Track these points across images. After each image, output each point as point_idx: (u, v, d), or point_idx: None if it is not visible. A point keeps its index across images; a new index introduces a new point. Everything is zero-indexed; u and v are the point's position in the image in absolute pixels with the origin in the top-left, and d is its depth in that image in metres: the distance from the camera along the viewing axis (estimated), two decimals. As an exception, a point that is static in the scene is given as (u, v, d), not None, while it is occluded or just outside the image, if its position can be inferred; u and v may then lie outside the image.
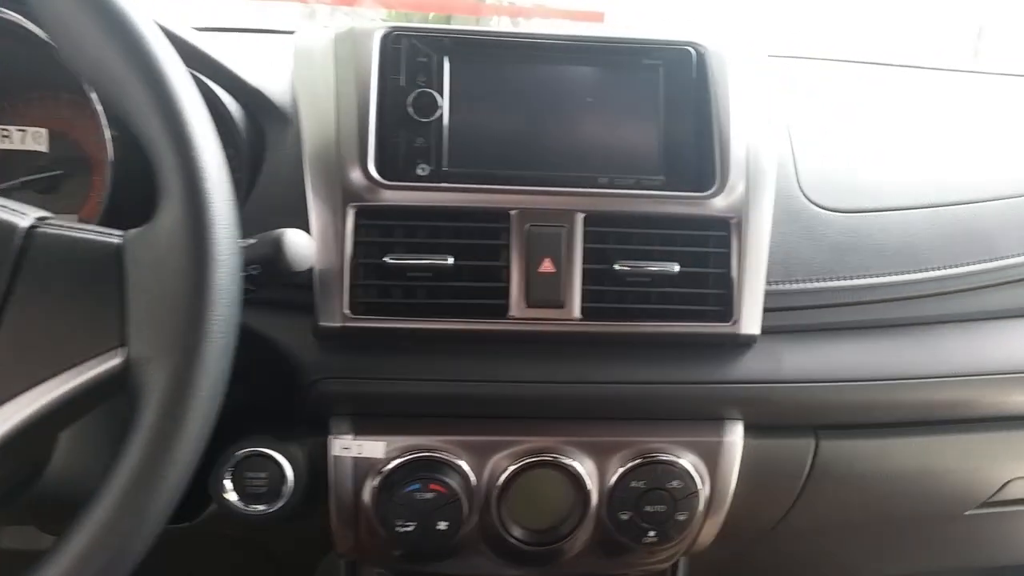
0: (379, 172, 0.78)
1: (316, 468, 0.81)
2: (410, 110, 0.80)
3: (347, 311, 0.76)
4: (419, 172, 0.79)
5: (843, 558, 1.12)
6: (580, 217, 0.78)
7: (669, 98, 0.83)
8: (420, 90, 0.80)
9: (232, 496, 0.79)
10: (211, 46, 0.81)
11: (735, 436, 0.85)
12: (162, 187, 0.55)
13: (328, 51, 0.82)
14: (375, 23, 0.82)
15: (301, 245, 0.68)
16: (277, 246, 0.66)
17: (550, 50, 0.83)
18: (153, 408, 0.52)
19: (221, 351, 0.54)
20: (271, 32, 1.09)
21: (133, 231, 0.56)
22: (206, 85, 0.80)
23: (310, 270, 0.76)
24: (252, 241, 0.67)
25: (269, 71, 0.87)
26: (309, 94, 0.81)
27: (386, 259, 0.77)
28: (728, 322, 0.80)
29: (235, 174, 0.83)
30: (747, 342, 0.81)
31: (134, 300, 0.54)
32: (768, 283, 0.82)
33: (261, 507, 0.79)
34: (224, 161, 0.57)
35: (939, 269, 0.89)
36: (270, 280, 0.67)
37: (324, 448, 0.80)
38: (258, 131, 0.84)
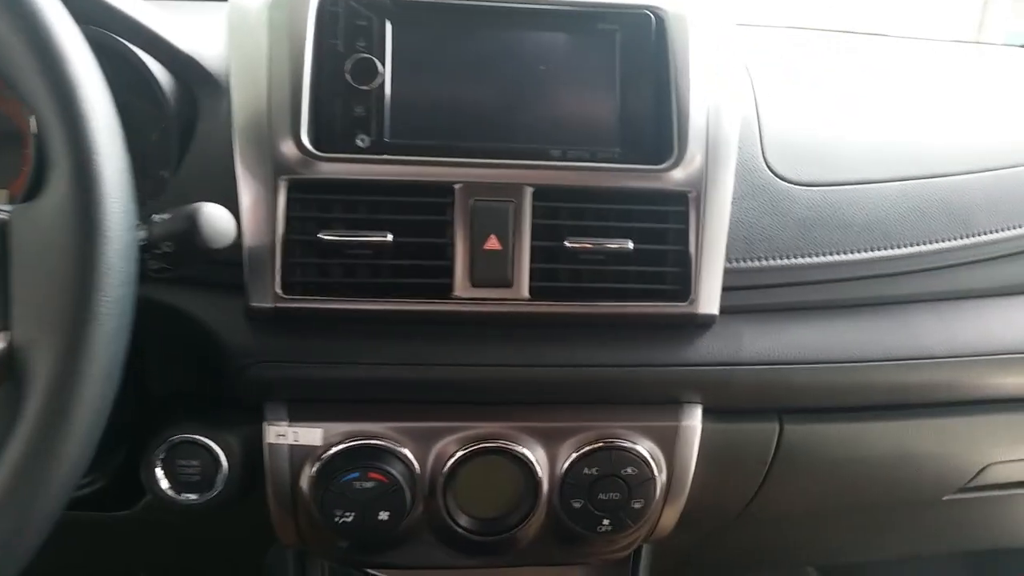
0: (314, 143, 0.74)
1: (251, 456, 0.77)
2: (348, 77, 0.75)
3: (279, 291, 0.72)
4: (358, 143, 0.75)
5: (815, 544, 1.09)
6: (529, 191, 0.74)
7: (626, 65, 0.79)
8: (359, 56, 0.75)
9: (164, 484, 0.76)
10: (138, 10, 0.76)
11: (693, 420, 0.82)
12: (49, 158, 0.51)
13: (262, 14, 0.77)
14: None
15: (220, 220, 0.64)
16: (192, 221, 0.62)
17: (499, 15, 0.78)
18: (37, 396, 0.49)
19: (112, 334, 0.50)
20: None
21: (20, 206, 0.52)
22: (129, 50, 0.76)
23: (239, 246, 0.72)
24: (166, 216, 0.63)
25: (205, 37, 0.82)
26: (241, 61, 0.76)
27: (321, 235, 0.73)
28: (685, 301, 0.77)
29: (164, 144, 0.80)
30: (705, 322, 0.78)
31: (19, 280, 0.50)
32: (729, 261, 0.78)
33: (194, 496, 0.76)
34: (118, 129, 0.53)
35: (912, 246, 0.85)
36: (187, 258, 0.63)
37: (259, 435, 0.77)
38: (191, 100, 0.79)
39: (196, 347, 0.75)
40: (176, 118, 0.78)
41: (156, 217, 0.63)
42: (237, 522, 0.88)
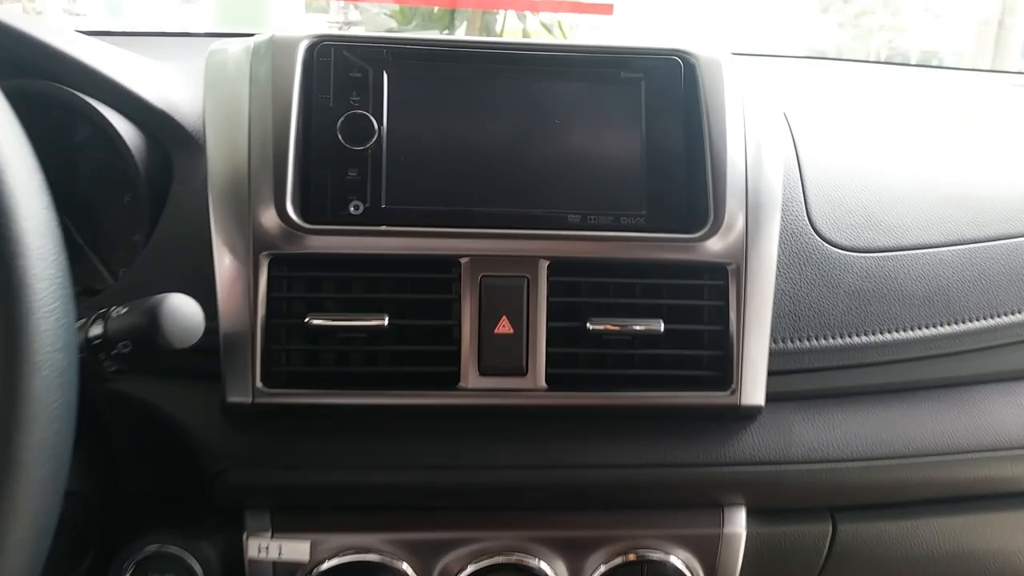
0: (301, 213, 0.65)
1: (233, 570, 0.67)
2: (340, 136, 0.66)
3: (260, 384, 0.63)
4: (351, 211, 0.66)
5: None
6: (544, 265, 0.66)
7: (653, 118, 0.70)
8: (352, 112, 0.66)
9: None
10: (102, 59, 0.67)
11: (737, 526, 0.72)
12: None
13: (243, 66, 0.68)
14: (299, 33, 0.69)
15: (184, 315, 0.54)
16: (152, 317, 0.53)
17: (510, 63, 0.70)
18: None
19: (40, 486, 0.40)
20: (214, 36, 0.95)
21: None
22: (89, 104, 0.67)
23: (215, 331, 0.62)
24: (123, 310, 0.54)
25: (183, 88, 0.73)
26: (218, 117, 0.67)
27: (309, 319, 0.63)
28: (726, 390, 0.67)
29: (132, 213, 0.72)
30: (750, 414, 0.69)
31: None
32: (775, 341, 0.70)
33: None
34: (52, 219, 0.43)
35: (979, 320, 0.76)
36: (147, 359, 0.54)
37: (240, 546, 0.67)
38: (165, 160, 0.70)
39: (169, 445, 0.66)
40: (146, 179, 0.69)
41: (114, 311, 0.54)
42: None
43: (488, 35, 4.11)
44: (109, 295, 0.66)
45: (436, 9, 4.03)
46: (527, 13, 4.19)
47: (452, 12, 4.04)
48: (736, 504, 0.72)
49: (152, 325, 0.53)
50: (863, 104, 0.96)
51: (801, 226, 0.74)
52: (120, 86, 0.67)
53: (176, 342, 0.54)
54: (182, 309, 0.54)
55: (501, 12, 4.09)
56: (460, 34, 4.03)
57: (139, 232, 0.71)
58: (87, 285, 0.74)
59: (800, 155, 0.79)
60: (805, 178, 0.77)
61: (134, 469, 0.69)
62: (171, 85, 0.73)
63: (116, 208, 0.74)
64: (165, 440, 0.66)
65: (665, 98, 0.70)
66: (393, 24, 4.04)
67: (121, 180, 0.72)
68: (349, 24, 4.34)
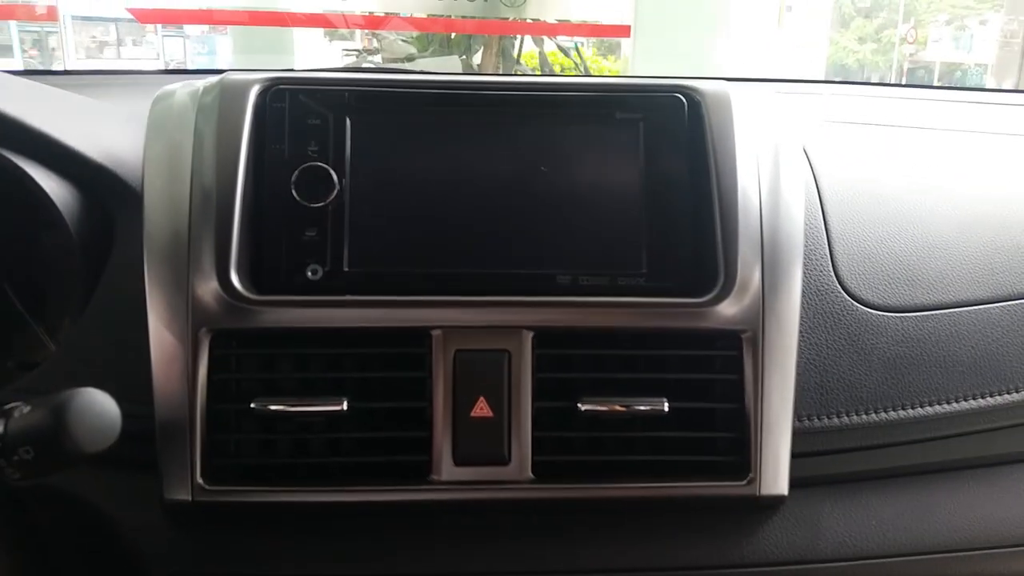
0: (251, 280, 0.57)
1: None
2: (295, 191, 0.58)
3: (201, 480, 0.55)
4: (308, 276, 0.58)
5: None
6: (529, 336, 0.58)
7: (653, 164, 0.62)
8: (309, 163, 0.59)
9: None
10: (24, 106, 0.60)
11: None
12: None
13: (188, 112, 0.61)
14: (251, 76, 0.61)
15: (96, 415, 0.46)
16: (58, 419, 0.45)
17: (489, 106, 0.62)
18: None
19: None
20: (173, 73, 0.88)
21: None
22: (10, 162, 0.59)
23: (150, 417, 0.54)
24: (25, 409, 0.46)
25: (129, 137, 0.66)
26: (158, 171, 0.60)
27: (256, 405, 0.55)
28: (743, 479, 0.59)
29: (67, 277, 0.64)
30: (771, 504, 0.61)
31: None
32: (798, 419, 0.61)
33: None
34: None
35: None
36: (51, 467, 0.46)
37: None
38: (105, 219, 0.63)
39: (104, 546, 0.58)
40: (80, 241, 0.61)
41: (15, 410, 0.46)
42: None
43: (505, 59, 4.07)
44: (26, 383, 0.58)
45: (454, 35, 4.00)
46: (544, 37, 4.15)
47: (469, 38, 4.01)
48: None
49: (58, 427, 0.45)
50: (892, 135, 0.87)
51: (827, 283, 0.66)
52: (46, 137, 0.59)
53: (86, 446, 0.46)
54: (94, 407, 0.46)
55: (518, 37, 4.06)
56: (477, 59, 3.99)
57: (79, 298, 0.63)
58: (24, 358, 0.67)
59: (824, 199, 0.70)
60: (830, 226, 0.68)
61: (64, 570, 0.61)
62: (113, 134, 0.65)
63: (57, 271, 0.67)
64: (99, 541, 0.58)
65: (666, 140, 0.62)
66: (412, 50, 4.02)
67: (56, 241, 0.64)
68: (369, 52, 4.33)
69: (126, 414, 0.57)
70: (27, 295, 0.68)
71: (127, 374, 0.57)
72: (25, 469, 0.46)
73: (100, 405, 0.47)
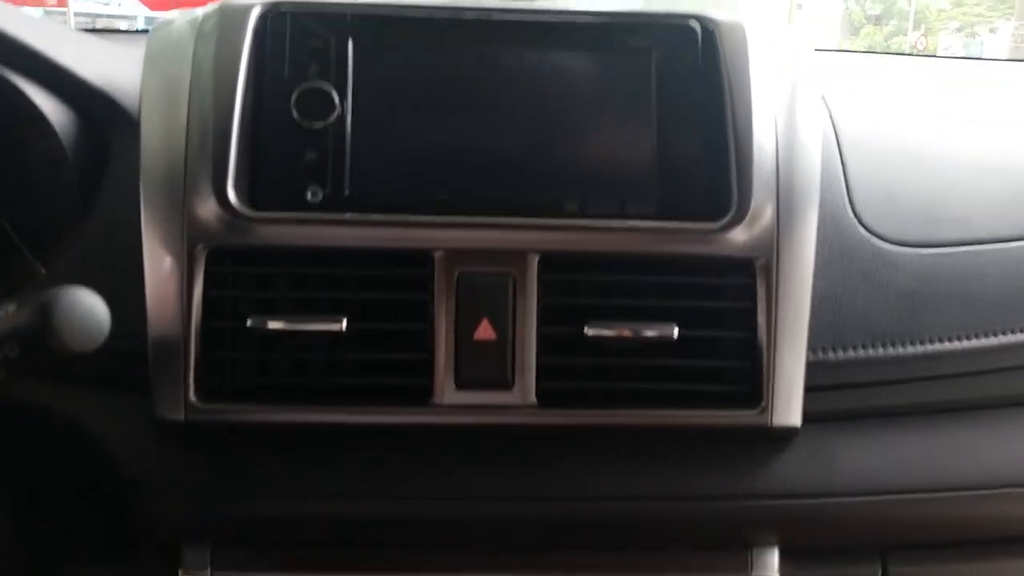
0: (248, 199, 0.56)
1: None
2: (294, 112, 0.57)
3: (194, 398, 0.53)
4: (308, 198, 0.56)
5: None
6: (535, 260, 0.56)
7: (665, 91, 0.60)
8: (309, 84, 0.57)
9: None
10: (28, 32, 0.59)
11: (768, 569, 0.61)
12: None
13: (187, 38, 0.60)
14: (253, 0, 0.59)
15: (84, 314, 0.45)
16: (44, 316, 0.44)
17: (496, 29, 0.60)
18: None
19: None
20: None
21: None
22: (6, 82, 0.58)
23: (142, 336, 0.53)
24: (11, 308, 0.44)
25: (129, 66, 0.65)
26: (156, 93, 0.59)
27: (253, 322, 0.54)
28: (755, 409, 0.57)
29: (60, 200, 0.63)
30: (784, 436, 0.59)
31: None
32: (812, 351, 0.59)
33: None
34: None
35: None
36: (38, 367, 0.45)
37: None
38: (101, 143, 0.62)
39: (88, 470, 0.56)
40: (75, 162, 0.60)
41: (1, 309, 0.45)
42: None
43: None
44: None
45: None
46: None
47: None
48: (767, 544, 0.61)
49: (44, 325, 0.44)
50: (911, 90, 0.86)
51: (842, 217, 0.64)
52: (44, 57, 0.58)
53: (73, 345, 0.45)
54: (81, 306, 0.45)
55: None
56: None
57: (72, 222, 0.62)
58: (14, 284, 0.65)
59: (841, 138, 0.68)
60: (847, 161, 0.67)
61: (47, 503, 0.60)
62: (113, 61, 0.65)
63: (50, 194, 0.66)
64: (81, 465, 0.57)
65: (679, 69, 0.61)
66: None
67: (50, 162, 0.63)
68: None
69: (118, 334, 0.56)
70: (17, 219, 0.67)
71: (120, 295, 0.55)
72: (10, 368, 0.45)
73: (88, 304, 0.45)
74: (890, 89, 0.88)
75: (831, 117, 0.70)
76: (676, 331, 0.56)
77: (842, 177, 0.65)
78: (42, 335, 0.44)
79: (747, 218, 0.57)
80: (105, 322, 0.46)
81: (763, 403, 0.56)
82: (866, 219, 0.64)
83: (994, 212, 0.67)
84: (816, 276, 0.59)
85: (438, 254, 0.56)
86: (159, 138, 0.57)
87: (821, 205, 0.60)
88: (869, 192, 0.65)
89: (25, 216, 0.66)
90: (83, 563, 0.58)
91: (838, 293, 0.61)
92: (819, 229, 0.59)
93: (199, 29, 0.60)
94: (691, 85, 0.60)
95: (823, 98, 0.71)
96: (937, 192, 0.67)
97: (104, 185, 0.61)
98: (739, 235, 0.57)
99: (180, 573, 0.57)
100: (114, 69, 0.64)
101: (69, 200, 0.61)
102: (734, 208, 0.57)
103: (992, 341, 0.62)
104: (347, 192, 0.57)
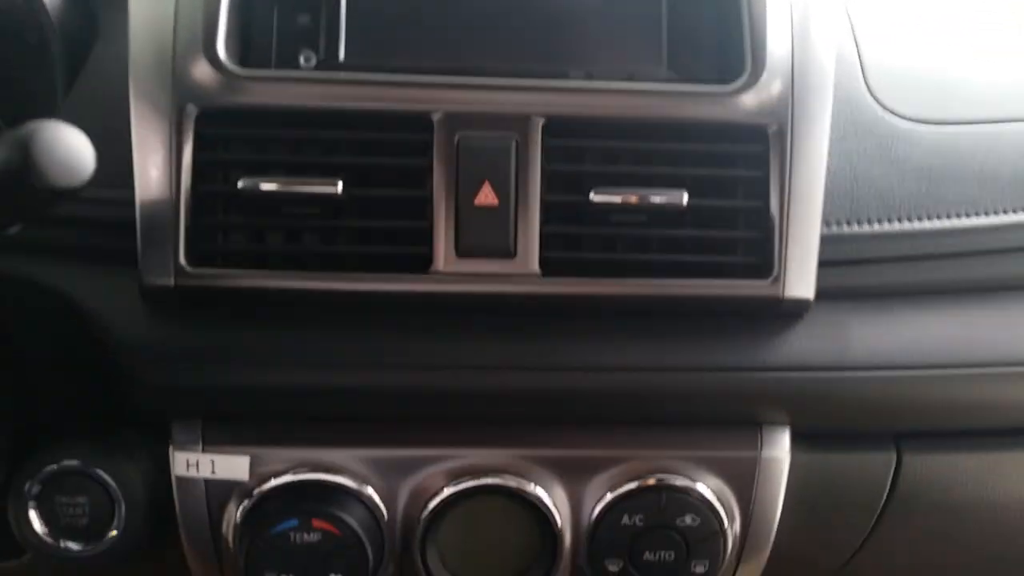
0: (239, 61, 0.54)
1: (159, 492, 0.56)
2: None
3: (183, 262, 0.52)
4: (301, 62, 0.55)
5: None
6: (539, 123, 0.54)
7: None
8: None
9: (38, 527, 0.57)
10: None
11: (779, 449, 0.60)
12: None
13: None
14: None
15: (66, 147, 0.43)
16: (23, 149, 0.42)
17: None
18: None
19: None
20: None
21: None
22: None
23: (131, 203, 0.52)
24: None
25: None
26: None
27: (244, 184, 0.52)
28: (766, 279, 0.55)
29: (44, 70, 0.61)
30: (795, 310, 0.57)
31: None
32: (826, 224, 0.58)
33: (77, 546, 0.57)
34: None
35: None
36: (18, 205, 0.43)
37: (166, 463, 0.57)
38: (88, 15, 0.60)
39: (76, 342, 0.56)
40: (62, 36, 0.58)
41: None
42: None
43: None
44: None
45: None
46: None
47: None
48: (778, 424, 0.60)
49: (23, 160, 0.42)
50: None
51: (857, 94, 0.62)
52: None
53: (55, 180, 0.42)
54: (62, 141, 0.43)
55: None
56: None
57: (55, 94, 0.60)
58: None
59: (853, 20, 0.66)
60: (861, 44, 0.65)
61: (36, 377, 0.59)
62: None
63: (35, 68, 0.64)
64: (69, 337, 0.55)
65: None
66: None
67: (35, 29, 0.61)
68: None
69: (107, 200, 0.54)
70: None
71: (107, 160, 0.54)
72: None
73: (69, 138, 0.43)
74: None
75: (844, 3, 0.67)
76: (686, 198, 0.54)
77: (857, 58, 0.64)
78: (21, 170, 0.42)
79: (760, 82, 0.55)
80: (88, 158, 0.44)
81: (775, 273, 0.55)
82: (882, 98, 0.63)
83: (1012, 93, 0.65)
84: (831, 151, 0.57)
85: (437, 116, 0.53)
86: (149, 2, 0.54)
87: (836, 84, 0.58)
88: (884, 73, 0.64)
89: (7, 90, 0.65)
90: (70, 443, 0.56)
91: (853, 167, 0.60)
92: (833, 106, 0.57)
93: None
94: None
95: None
96: (954, 74, 0.66)
97: (91, 59, 0.59)
98: (752, 99, 0.55)
99: (171, 450, 0.57)
100: None
101: (53, 73, 0.59)
102: (747, 71, 0.55)
103: (1009, 218, 0.61)
104: (342, 58, 0.55)
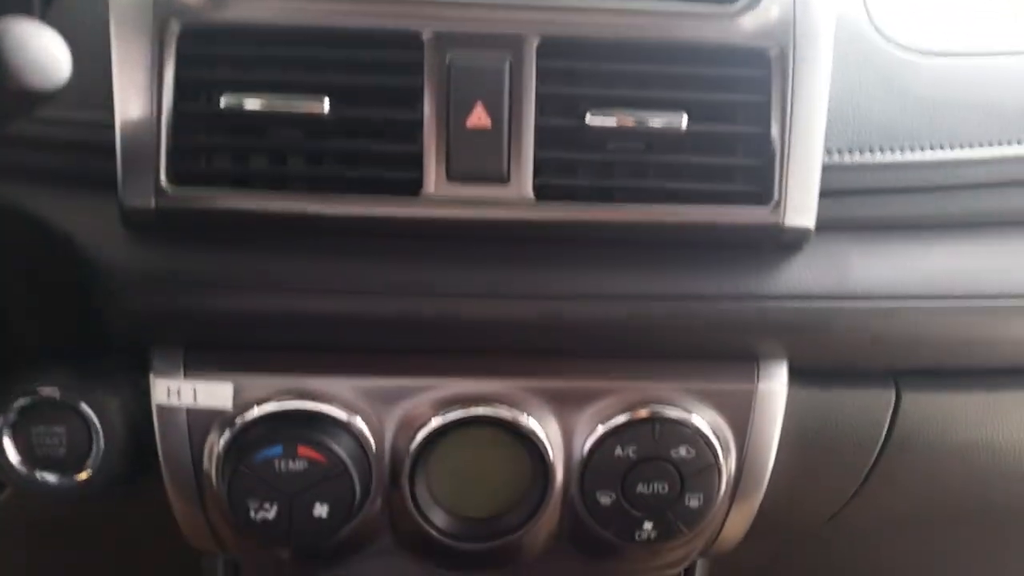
0: None
1: (139, 422, 0.55)
2: None
3: (165, 183, 0.50)
4: None
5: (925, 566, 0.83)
6: (533, 43, 0.52)
7: None
8: None
9: (13, 458, 0.56)
10: None
11: (776, 382, 0.59)
12: None
13: None
14: None
15: (41, 46, 0.41)
16: None
17: None
18: None
19: None
20: None
21: None
22: None
23: (110, 126, 0.50)
24: None
25: None
26: None
27: (227, 102, 0.50)
28: (766, 207, 0.54)
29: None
30: (795, 239, 0.55)
31: None
32: (828, 153, 0.56)
33: (54, 477, 0.56)
34: None
35: None
36: None
37: (146, 392, 0.55)
38: None
39: (54, 266, 0.54)
40: None
41: None
42: (138, 515, 0.66)
43: None
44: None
45: None
46: None
47: None
48: (776, 357, 0.58)
49: None
50: None
51: (859, 21, 0.61)
52: None
53: (28, 80, 0.40)
54: (37, 39, 0.41)
55: None
56: None
57: (31, 10, 0.58)
58: None
59: None
60: None
61: (13, 304, 0.57)
62: None
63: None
64: (55, 259, 0.54)
65: None
66: None
67: None
68: None
69: (86, 122, 0.52)
70: None
71: (87, 82, 0.52)
72: None
73: (43, 37, 0.41)
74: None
75: None
76: (685, 121, 0.52)
77: None
78: None
79: (762, 4, 0.53)
80: (64, 61, 0.42)
81: (776, 200, 0.53)
82: (884, 28, 0.61)
83: (1017, 27, 0.64)
84: (832, 81, 0.55)
85: (427, 35, 0.51)
86: None
87: (838, 13, 0.57)
88: (887, 4, 0.62)
89: None
90: (48, 369, 0.55)
91: (855, 96, 0.58)
92: (835, 35, 0.56)
93: None
94: None
95: None
96: (958, 8, 0.64)
97: None
98: (753, 21, 0.53)
99: (152, 377, 0.55)
100: None
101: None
102: None
103: (1012, 150, 0.59)
104: None
